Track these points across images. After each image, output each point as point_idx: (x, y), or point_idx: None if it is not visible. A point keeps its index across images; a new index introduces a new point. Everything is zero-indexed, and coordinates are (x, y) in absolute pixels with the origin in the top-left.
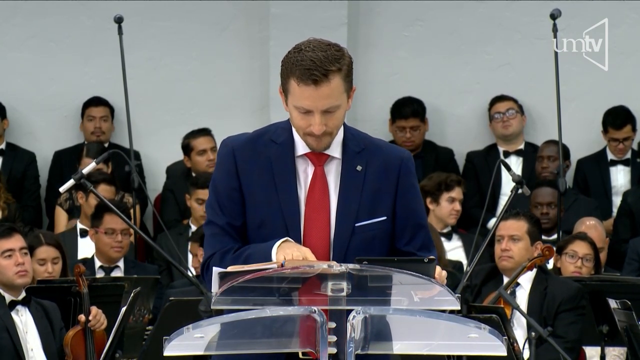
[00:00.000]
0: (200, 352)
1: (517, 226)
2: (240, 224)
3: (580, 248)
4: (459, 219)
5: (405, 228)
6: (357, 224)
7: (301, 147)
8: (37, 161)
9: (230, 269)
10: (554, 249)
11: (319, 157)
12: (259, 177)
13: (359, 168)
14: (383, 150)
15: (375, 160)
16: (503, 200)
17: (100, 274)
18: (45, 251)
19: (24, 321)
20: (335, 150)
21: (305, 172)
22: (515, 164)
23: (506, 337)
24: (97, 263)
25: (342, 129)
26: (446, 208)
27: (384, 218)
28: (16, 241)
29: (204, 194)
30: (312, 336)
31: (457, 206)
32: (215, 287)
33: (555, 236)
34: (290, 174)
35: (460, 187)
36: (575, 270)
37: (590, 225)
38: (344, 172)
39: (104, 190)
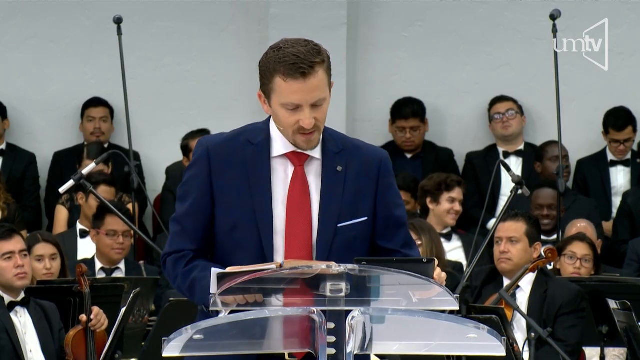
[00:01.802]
0: (200, 353)
1: (516, 228)
2: (207, 228)
3: (579, 249)
4: (459, 219)
5: (386, 227)
6: (339, 225)
7: (280, 148)
8: (37, 162)
9: (229, 269)
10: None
11: (299, 157)
12: (232, 179)
13: (339, 169)
14: (362, 151)
15: (355, 161)
16: (503, 200)
17: (101, 275)
18: (42, 248)
19: (23, 322)
20: (315, 150)
21: (285, 173)
22: (515, 164)
23: (505, 338)
24: (98, 264)
25: None
26: (446, 208)
27: (365, 219)
28: (16, 243)
29: None
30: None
31: (457, 206)
32: (213, 288)
33: (555, 236)
34: (265, 176)
35: (461, 188)
36: (574, 272)
37: (581, 227)
38: (324, 172)
39: (104, 192)
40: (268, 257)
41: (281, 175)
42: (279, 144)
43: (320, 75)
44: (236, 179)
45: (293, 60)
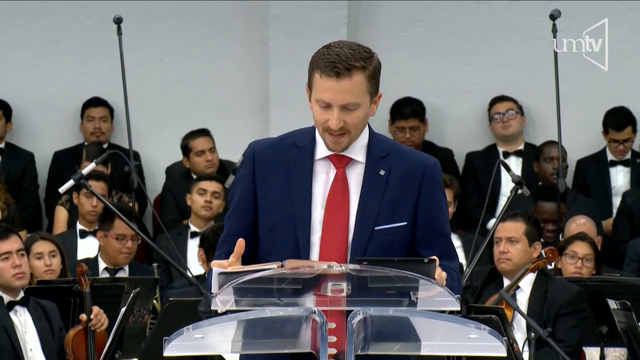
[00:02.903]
0: (201, 353)
1: (515, 228)
2: (248, 228)
3: (580, 248)
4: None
5: (426, 235)
6: (376, 228)
7: (323, 150)
8: (35, 161)
9: (230, 269)
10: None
11: (340, 160)
12: (275, 181)
13: (381, 172)
14: (408, 156)
15: (399, 166)
16: (503, 200)
17: (104, 276)
18: (41, 245)
19: (23, 321)
20: (359, 154)
21: (327, 175)
22: (515, 164)
23: (506, 338)
24: (102, 264)
25: (367, 133)
26: None
27: (404, 223)
28: (13, 243)
29: (206, 184)
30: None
31: None
32: (215, 288)
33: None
34: (306, 177)
35: (450, 190)
36: (575, 271)
37: (580, 224)
38: (366, 175)
39: (95, 187)
40: (303, 257)
41: (323, 177)
42: (323, 147)
43: (356, 80)
44: (278, 181)
45: (333, 58)
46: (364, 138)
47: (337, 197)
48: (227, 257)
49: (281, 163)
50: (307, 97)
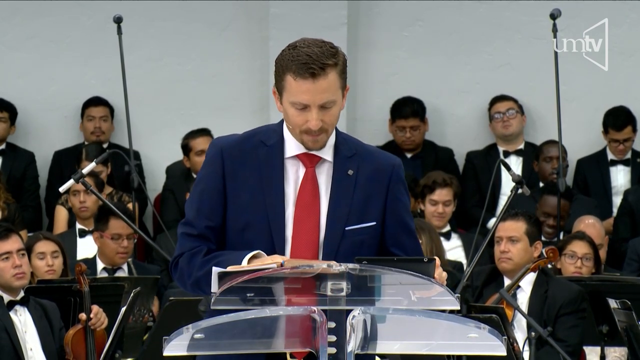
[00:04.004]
0: (201, 353)
1: (516, 227)
2: (218, 228)
3: (579, 248)
4: (458, 219)
5: (394, 234)
6: (347, 228)
7: (292, 149)
8: (36, 161)
9: (229, 268)
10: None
11: (310, 159)
12: (245, 179)
13: (350, 172)
14: (374, 156)
15: (367, 166)
16: (503, 200)
17: (103, 275)
18: (44, 245)
19: (23, 321)
20: (327, 153)
21: (296, 174)
22: (515, 163)
23: (506, 337)
24: (100, 265)
25: (334, 132)
26: (430, 211)
27: (374, 223)
28: (13, 243)
29: None
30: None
31: (440, 209)
32: (214, 287)
33: (556, 239)
34: (277, 176)
35: (450, 188)
36: (575, 271)
37: (589, 224)
38: (335, 175)
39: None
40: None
41: (293, 176)
42: (292, 145)
43: (330, 78)
44: (249, 180)
45: (305, 59)
46: (331, 137)
47: (307, 197)
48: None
49: (250, 162)
50: (276, 99)
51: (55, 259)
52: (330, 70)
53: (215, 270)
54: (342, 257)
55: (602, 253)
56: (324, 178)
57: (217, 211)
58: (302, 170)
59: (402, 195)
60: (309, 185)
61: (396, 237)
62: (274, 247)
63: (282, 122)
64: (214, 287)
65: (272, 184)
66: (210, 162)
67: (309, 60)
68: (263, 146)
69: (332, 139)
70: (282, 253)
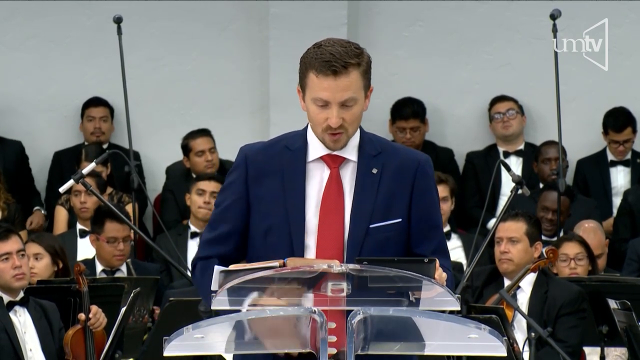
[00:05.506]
0: (201, 353)
1: (516, 227)
2: (238, 233)
3: (569, 249)
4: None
5: (420, 231)
6: (371, 226)
7: (316, 151)
8: (25, 149)
9: (231, 267)
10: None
11: (334, 160)
12: (268, 186)
13: (374, 171)
14: (400, 154)
15: (392, 163)
16: (503, 200)
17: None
18: (27, 247)
19: (23, 321)
20: (351, 153)
21: (321, 176)
22: (515, 164)
23: (506, 338)
24: (99, 266)
25: (358, 133)
26: None
27: (399, 220)
28: (13, 243)
29: (205, 184)
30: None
31: None
32: (215, 286)
33: (556, 238)
34: (299, 180)
35: (445, 185)
36: (571, 272)
37: (588, 229)
38: (359, 174)
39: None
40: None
41: (317, 178)
42: (315, 148)
43: (352, 77)
44: (272, 186)
45: (328, 57)
46: (355, 138)
47: (332, 197)
48: (221, 260)
49: (274, 167)
50: (300, 98)
51: (36, 262)
52: (353, 69)
53: (217, 268)
54: (367, 254)
55: (602, 261)
56: (348, 178)
57: (238, 216)
58: (326, 172)
59: (428, 191)
60: (334, 185)
61: (423, 233)
62: (293, 250)
63: (307, 126)
64: (215, 286)
65: (293, 188)
66: (236, 168)
67: (332, 58)
68: (287, 151)
69: (355, 139)
70: (300, 253)
